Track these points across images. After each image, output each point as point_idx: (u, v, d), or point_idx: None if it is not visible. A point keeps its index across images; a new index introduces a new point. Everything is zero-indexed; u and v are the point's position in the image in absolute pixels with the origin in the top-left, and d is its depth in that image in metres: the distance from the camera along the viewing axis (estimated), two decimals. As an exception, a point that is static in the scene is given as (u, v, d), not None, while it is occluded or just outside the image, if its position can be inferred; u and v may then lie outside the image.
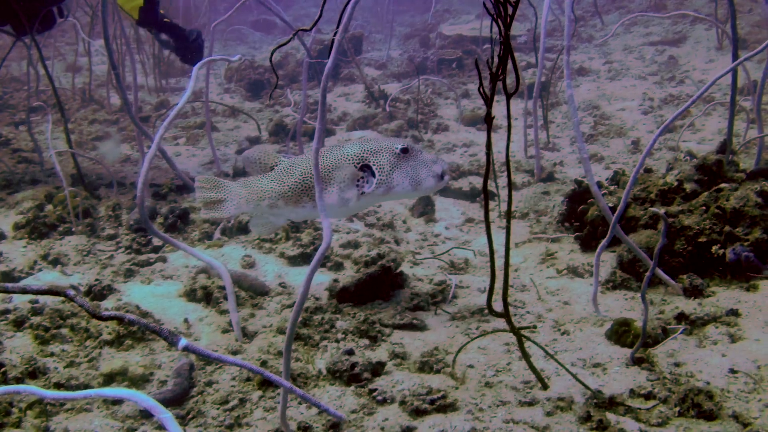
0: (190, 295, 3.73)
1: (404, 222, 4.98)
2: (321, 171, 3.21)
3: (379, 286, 3.77)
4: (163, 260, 4.19)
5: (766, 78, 5.23)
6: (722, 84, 8.04)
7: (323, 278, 3.96)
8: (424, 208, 5.08)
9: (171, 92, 9.14)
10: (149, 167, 3.01)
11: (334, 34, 2.40)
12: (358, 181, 3.30)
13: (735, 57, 4.99)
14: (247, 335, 3.41)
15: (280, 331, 3.43)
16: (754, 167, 5.10)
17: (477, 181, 5.54)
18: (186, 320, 3.50)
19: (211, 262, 3.44)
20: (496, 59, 2.47)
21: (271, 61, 2.16)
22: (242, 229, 4.59)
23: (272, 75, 9.11)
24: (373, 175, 3.29)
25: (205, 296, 3.69)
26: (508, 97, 2.60)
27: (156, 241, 4.41)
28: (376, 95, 7.86)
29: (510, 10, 2.45)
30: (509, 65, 2.40)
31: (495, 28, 2.44)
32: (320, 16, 2.32)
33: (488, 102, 2.52)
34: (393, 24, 12.09)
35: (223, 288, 3.65)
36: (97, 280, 3.82)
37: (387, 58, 10.88)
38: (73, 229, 4.52)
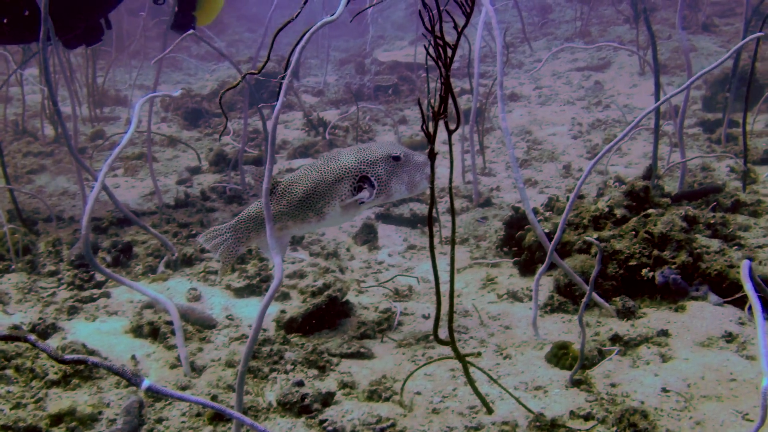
0: (137, 331, 3.71)
1: (348, 250, 5.06)
2: (323, 185, 3.38)
3: (326, 316, 3.84)
4: (107, 296, 4.16)
5: (686, 104, 5.54)
6: (647, 102, 8.44)
7: (270, 309, 4.00)
8: (367, 236, 5.17)
9: (105, 122, 9.02)
10: (92, 206, 3.01)
11: (282, 78, 2.48)
12: (358, 192, 3.40)
13: (657, 82, 5.28)
14: (196, 370, 3.42)
15: (229, 364, 3.45)
16: (678, 190, 5.40)
17: (417, 208, 5.66)
18: (134, 357, 3.49)
19: (157, 297, 3.45)
20: (434, 88, 2.58)
21: (220, 103, 2.22)
22: (186, 261, 4.59)
23: (210, 104, 9.10)
24: (372, 185, 3.38)
25: (152, 332, 3.68)
26: (450, 133, 2.72)
27: (99, 276, 4.37)
28: (315, 123, 7.95)
29: (450, 53, 2.58)
30: (454, 98, 2.51)
31: (431, 53, 2.55)
32: (268, 59, 2.40)
33: (431, 139, 2.63)
34: (329, 49, 12.22)
35: (170, 323, 3.66)
36: (40, 318, 3.77)
37: (324, 84, 10.99)
38: (13, 267, 4.44)
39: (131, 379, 1.82)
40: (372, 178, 3.37)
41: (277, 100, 2.49)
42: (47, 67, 4.71)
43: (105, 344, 3.59)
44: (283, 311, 3.89)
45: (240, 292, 4.28)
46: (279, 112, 2.44)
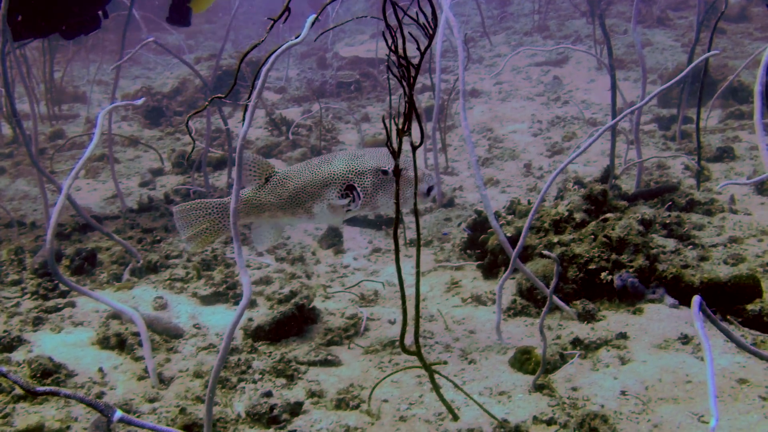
0: (104, 342, 3.71)
1: (314, 254, 5.10)
2: (312, 186, 3.41)
3: (293, 323, 3.88)
4: (72, 305, 4.13)
5: (643, 103, 5.67)
6: (604, 105, 8.60)
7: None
8: (333, 240, 5.21)
9: (64, 120, 8.89)
10: (57, 219, 3.01)
11: (248, 98, 2.50)
12: (344, 198, 3.41)
13: (613, 80, 5.40)
14: (164, 381, 3.44)
15: (197, 375, 3.48)
16: (635, 189, 5.54)
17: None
18: (101, 369, 3.49)
19: (123, 309, 3.46)
20: (395, 87, 2.63)
21: (187, 126, 2.24)
22: (152, 268, 4.58)
23: (170, 101, 9.01)
24: (358, 196, 3.38)
25: (119, 343, 3.68)
26: (414, 149, 2.78)
27: (63, 284, 4.34)
28: (278, 122, 7.94)
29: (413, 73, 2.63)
30: (418, 117, 2.56)
31: (393, 48, 2.59)
32: (232, 87, 2.42)
33: (395, 155, 2.68)
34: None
35: (137, 333, 3.66)
36: (5, 331, 3.74)
37: (286, 80, 10.96)
38: (-27, 277, 4.39)
39: (104, 411, 1.85)
40: (358, 189, 3.37)
41: (243, 109, 2.51)
42: (3, 64, 4.53)
43: (71, 357, 3.58)
44: (250, 319, 3.92)
45: (207, 300, 4.29)
46: (245, 134, 2.47)
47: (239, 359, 3.57)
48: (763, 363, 3.30)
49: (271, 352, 3.69)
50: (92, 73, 10.43)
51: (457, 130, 8.18)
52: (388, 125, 2.58)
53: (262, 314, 3.97)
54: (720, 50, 3.84)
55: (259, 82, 2.43)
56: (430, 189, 3.45)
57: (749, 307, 3.71)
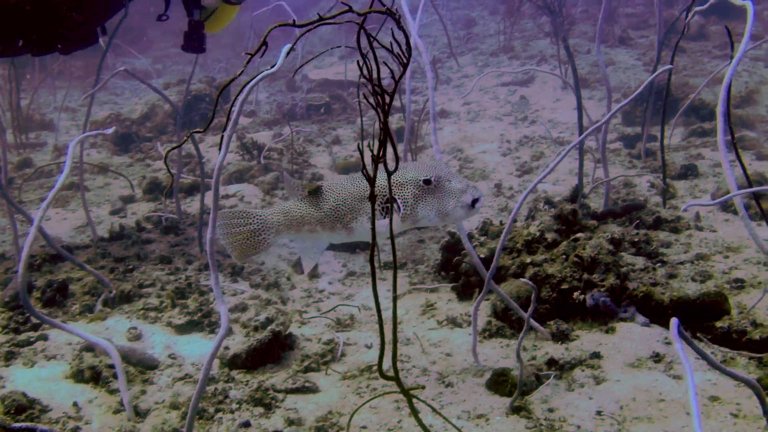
0: (78, 376, 3.66)
1: (288, 279, 5.10)
2: (353, 199, 3.26)
3: (270, 351, 3.88)
4: (44, 338, 4.08)
5: (608, 125, 5.79)
6: (570, 124, 8.75)
7: (212, 345, 4.00)
8: (306, 264, 5.22)
9: (32, 149, 8.79)
10: (29, 253, 2.98)
11: (223, 131, 2.52)
12: (385, 212, 3.25)
13: (579, 99, 5.51)
14: (140, 413, 3.41)
15: (174, 406, 3.46)
16: (603, 207, 5.64)
17: (354, 232, 5.74)
18: (75, 404, 3.45)
19: (97, 342, 3.42)
20: (366, 105, 2.66)
21: (165, 162, 2.25)
22: (125, 298, 4.54)
23: (140, 127, 8.97)
24: (399, 208, 3.24)
25: (94, 376, 3.64)
26: (389, 175, 2.81)
27: (35, 318, 4.28)
28: (249, 146, 7.94)
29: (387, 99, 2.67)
30: (393, 144, 2.60)
31: (367, 77, 2.63)
32: (210, 122, 2.43)
33: (371, 181, 2.72)
34: (259, 65, 12.15)
35: (112, 366, 3.63)
36: (-24, 368, 3.68)
37: (255, 103, 10.97)
38: (-59, 312, 4.31)
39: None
40: (399, 201, 3.23)
41: (209, 125, 2.53)
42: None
43: (45, 391, 3.54)
44: (226, 348, 3.91)
45: (182, 329, 4.27)
46: (221, 165, 2.48)
47: (216, 389, 3.55)
48: (734, 381, 3.37)
49: (248, 381, 3.68)
50: (59, 100, 10.33)
51: (428, 151, 8.25)
52: (361, 148, 2.61)
53: (238, 342, 3.97)
54: (674, 66, 3.96)
55: (235, 112, 2.45)
56: (475, 201, 3.27)
57: (718, 324, 3.79)
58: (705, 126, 7.71)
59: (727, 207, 5.56)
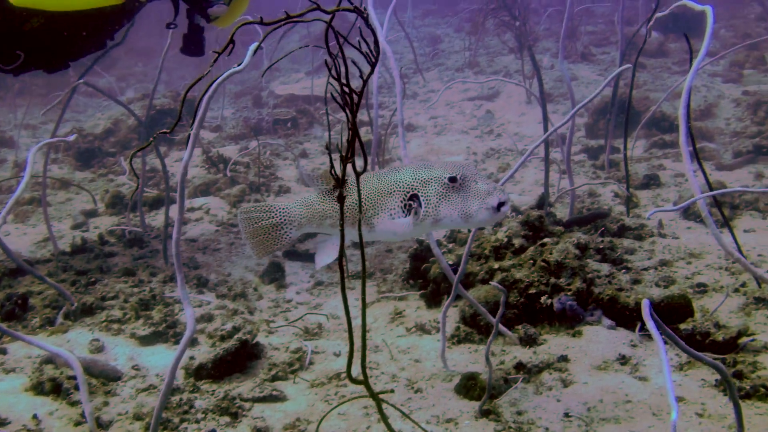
0: (38, 388, 3.57)
1: (255, 290, 5.05)
2: (376, 194, 3.09)
3: (236, 360, 3.83)
4: (4, 352, 3.97)
5: (573, 134, 5.88)
6: (535, 137, 8.84)
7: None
8: (275, 274, 5.18)
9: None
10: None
11: (191, 128, 2.50)
12: (407, 210, 3.06)
13: (544, 112, 5.58)
14: (102, 425, 3.34)
15: (137, 417, 3.39)
16: (568, 216, 5.70)
17: (322, 243, 5.71)
18: (35, 416, 3.36)
19: (58, 352, 3.34)
20: (334, 121, 2.66)
21: (130, 163, 2.22)
22: (87, 311, 4.45)
23: (102, 143, 8.85)
24: (421, 206, 3.05)
25: (54, 388, 3.55)
26: (358, 176, 2.80)
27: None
28: (215, 160, 7.88)
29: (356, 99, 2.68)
30: (362, 145, 2.60)
31: (331, 85, 2.62)
32: (176, 123, 2.41)
33: (340, 183, 2.71)
34: (224, 84, 12.10)
35: (73, 377, 3.54)
36: (-67, 382, 3.57)
37: (221, 119, 10.90)
38: None
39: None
40: (421, 198, 3.05)
41: (180, 147, 2.50)
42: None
43: (4, 404, 3.44)
44: (192, 357, 3.85)
45: (146, 340, 4.19)
46: (188, 162, 2.46)
47: (181, 399, 3.49)
48: (698, 381, 3.42)
49: (214, 390, 3.63)
50: (20, 118, 10.16)
51: (395, 164, 8.28)
52: (330, 148, 2.61)
53: (204, 352, 3.91)
54: (629, 65, 4.04)
55: (200, 110, 2.43)
56: (501, 205, 3.03)
57: (682, 326, 3.84)
58: (666, 138, 7.86)
59: (688, 215, 5.66)
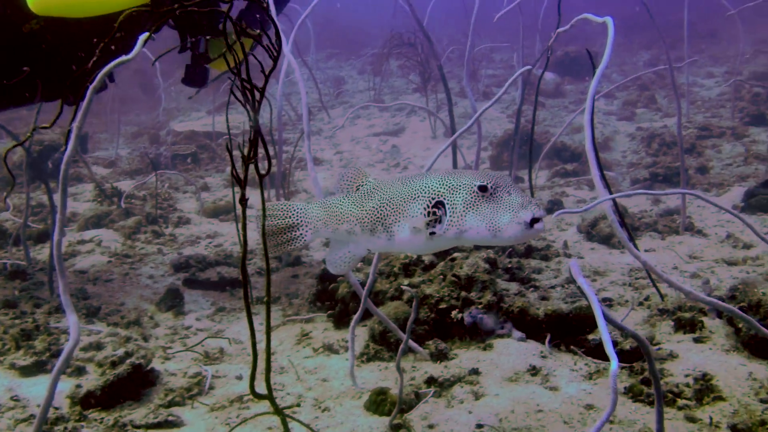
0: None
1: (151, 318, 4.74)
2: (399, 198, 2.75)
3: (129, 386, 3.53)
4: None
5: (478, 163, 5.92)
6: (442, 163, 8.91)
7: (63, 386, 3.60)
8: (173, 302, 4.88)
9: None
10: None
11: (72, 123, 2.30)
12: (430, 219, 2.73)
13: (454, 148, 5.59)
14: (-25, 460, 2.98)
15: (15, 449, 3.05)
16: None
17: (225, 271, 5.47)
18: None
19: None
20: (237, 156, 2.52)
21: (4, 161, 2.00)
22: (-40, 341, 4.04)
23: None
24: (445, 214, 2.72)
25: None
26: (261, 178, 2.66)
27: None
28: (109, 193, 7.50)
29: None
30: (264, 144, 2.47)
31: (239, 98, 2.50)
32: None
33: (242, 184, 2.55)
34: (120, 124, 11.61)
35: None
36: None
37: (116, 155, 10.47)
38: None
39: None
40: (446, 206, 2.74)
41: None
42: None
43: None
44: (78, 386, 3.53)
45: (27, 371, 3.82)
46: (70, 155, 2.25)
47: (65, 428, 3.18)
48: (607, 389, 3.39)
49: (103, 418, 3.32)
50: None
51: (300, 195, 8.13)
52: (230, 148, 2.46)
53: (92, 380, 3.59)
54: (530, 66, 4.12)
55: (84, 100, 2.24)
56: (535, 221, 2.64)
57: (590, 336, 3.84)
58: (567, 167, 8.07)
59: (592, 236, 5.77)
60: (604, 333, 1.97)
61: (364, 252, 2.95)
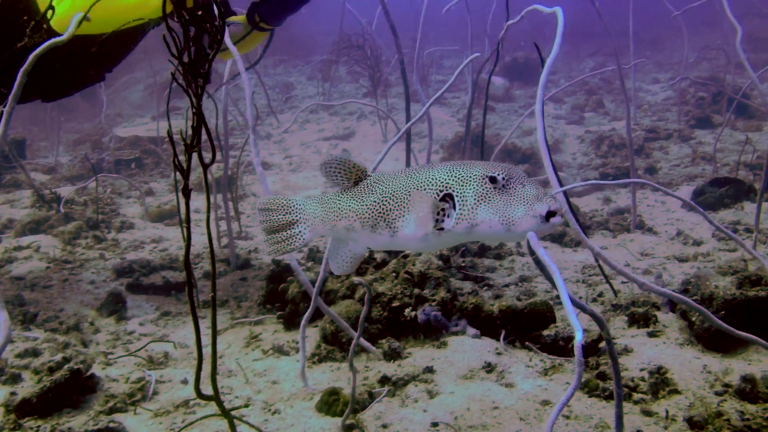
0: None
1: (92, 323, 4.53)
2: (403, 190, 2.53)
3: (68, 393, 3.35)
4: None
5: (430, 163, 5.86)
6: (394, 166, 8.85)
7: (-4, 394, 3.41)
8: (115, 307, 4.69)
9: None
10: None
11: (3, 106, 2.14)
12: (438, 213, 2.51)
13: (408, 149, 5.54)
14: None
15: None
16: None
17: (171, 275, 5.28)
18: None
19: None
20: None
21: None
22: None
23: None
24: (455, 207, 2.52)
25: None
26: (205, 168, 2.54)
27: None
28: (48, 198, 7.22)
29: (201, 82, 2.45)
30: (208, 130, 2.36)
31: (181, 83, 2.38)
32: None
33: (185, 174, 2.43)
34: (60, 131, 11.25)
35: None
36: None
37: (55, 162, 10.12)
38: None
39: None
40: (456, 198, 2.53)
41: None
42: None
43: None
44: (13, 393, 3.33)
45: (-43, 380, 3.61)
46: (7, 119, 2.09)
47: (-2, 438, 2.99)
48: (563, 385, 3.35)
49: (39, 426, 3.14)
50: None
51: (249, 200, 7.97)
52: (171, 134, 2.34)
53: (28, 387, 3.40)
54: (478, 53, 4.10)
55: (15, 86, 2.09)
56: (551, 214, 2.43)
57: (545, 332, 3.80)
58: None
59: (544, 237, 5.76)
60: (566, 302, 1.92)
61: (364, 250, 2.79)
